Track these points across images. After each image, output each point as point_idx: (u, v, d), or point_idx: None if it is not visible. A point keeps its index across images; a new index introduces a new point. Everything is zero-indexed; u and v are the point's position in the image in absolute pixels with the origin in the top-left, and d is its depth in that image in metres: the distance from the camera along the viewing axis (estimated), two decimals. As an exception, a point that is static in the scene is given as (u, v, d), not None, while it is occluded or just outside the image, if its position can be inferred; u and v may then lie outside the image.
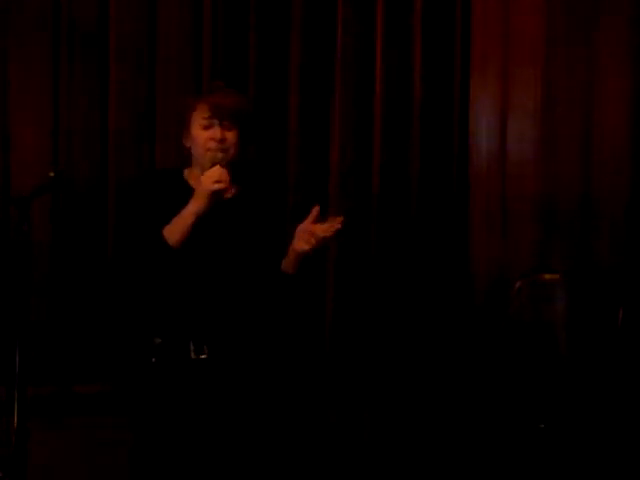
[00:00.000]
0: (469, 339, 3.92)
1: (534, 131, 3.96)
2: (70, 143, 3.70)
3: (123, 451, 3.19)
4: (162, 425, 3.07)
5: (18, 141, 3.66)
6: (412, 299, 3.95)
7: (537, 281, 3.83)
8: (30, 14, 3.65)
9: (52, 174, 2.84)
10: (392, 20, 3.92)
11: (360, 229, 3.92)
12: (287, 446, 3.78)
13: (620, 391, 3.64)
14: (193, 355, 3.06)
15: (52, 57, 3.67)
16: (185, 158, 3.17)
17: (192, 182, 3.10)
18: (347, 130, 3.91)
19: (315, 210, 3.02)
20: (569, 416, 3.65)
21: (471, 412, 3.87)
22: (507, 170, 3.98)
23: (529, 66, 3.95)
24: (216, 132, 3.06)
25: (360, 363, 3.93)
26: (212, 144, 3.06)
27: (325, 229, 3.00)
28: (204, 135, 3.07)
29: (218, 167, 2.99)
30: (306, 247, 2.99)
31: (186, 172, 3.16)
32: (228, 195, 3.11)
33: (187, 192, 3.03)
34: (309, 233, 3.00)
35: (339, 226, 2.99)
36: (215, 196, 2.97)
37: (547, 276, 3.84)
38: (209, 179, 2.97)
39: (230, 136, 3.07)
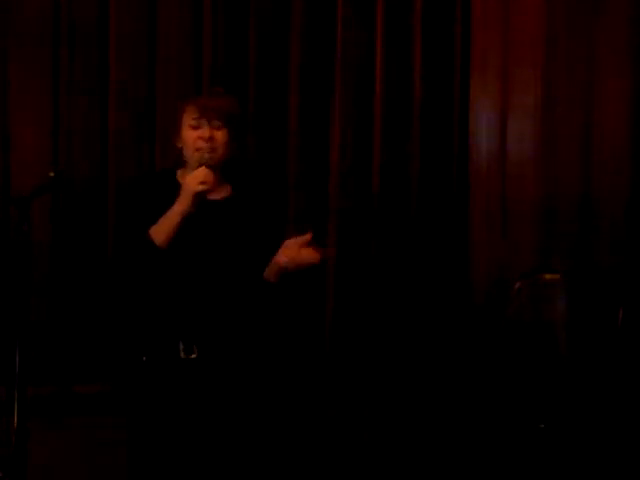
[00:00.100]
0: (469, 339, 3.92)
1: (534, 131, 3.96)
2: (70, 143, 3.70)
3: (123, 451, 3.19)
4: (153, 424, 3.09)
5: (18, 141, 3.66)
6: (412, 299, 3.95)
7: (537, 281, 3.83)
8: (30, 14, 3.65)
9: (52, 174, 2.84)
10: (392, 20, 3.92)
11: (360, 229, 3.92)
12: (285, 446, 3.78)
13: (620, 391, 3.64)
14: (183, 355, 3.08)
15: (52, 57, 3.67)
16: (177, 159, 3.20)
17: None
18: (347, 130, 3.91)
19: (308, 236, 3.04)
20: (569, 416, 3.65)
21: (471, 412, 3.87)
22: (507, 170, 3.98)
23: (529, 66, 3.95)
24: (205, 131, 3.11)
25: (360, 363, 3.93)
26: (201, 143, 3.10)
27: (306, 257, 3.03)
28: (193, 135, 3.12)
29: (203, 168, 3.04)
30: (281, 260, 3.05)
31: (179, 173, 3.19)
32: (218, 197, 3.15)
33: (179, 192, 3.07)
34: (292, 251, 3.04)
35: (316, 261, 3.03)
36: (199, 197, 3.02)
37: (547, 276, 3.84)
38: (194, 180, 3.02)
39: (219, 136, 3.12)
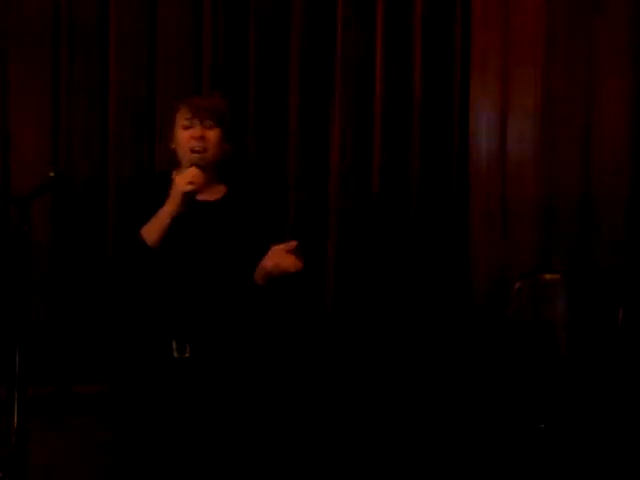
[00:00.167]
0: (469, 339, 3.92)
1: (534, 131, 3.96)
2: (70, 143, 3.70)
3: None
4: (146, 423, 3.12)
5: (18, 141, 3.66)
6: (412, 299, 3.95)
7: (537, 281, 3.83)
8: (30, 14, 3.64)
9: (52, 174, 2.85)
10: (392, 20, 3.92)
11: (360, 229, 3.92)
12: (282, 445, 3.78)
13: (620, 391, 3.64)
14: (176, 354, 3.10)
15: (52, 57, 3.67)
16: (171, 160, 3.23)
17: None
18: (347, 130, 3.91)
19: (293, 243, 3.05)
20: (569, 416, 3.65)
21: (471, 412, 3.87)
22: (507, 170, 3.98)
23: (529, 66, 3.95)
24: (196, 131, 3.15)
25: (360, 363, 3.93)
26: (193, 143, 3.14)
27: (289, 264, 3.04)
28: (186, 135, 3.16)
29: (193, 168, 3.07)
30: (267, 265, 3.07)
31: (174, 174, 3.21)
32: (211, 198, 3.18)
33: None
34: (278, 257, 3.06)
35: (298, 269, 3.05)
36: (188, 197, 3.04)
37: (547, 276, 3.84)
38: (182, 180, 3.05)
39: (210, 135, 3.16)
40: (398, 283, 3.94)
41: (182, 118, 3.17)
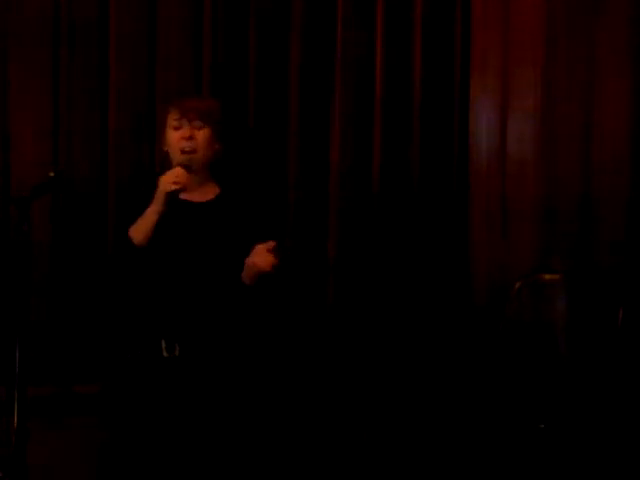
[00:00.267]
0: (469, 339, 3.92)
1: (534, 131, 3.96)
2: (70, 143, 3.70)
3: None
4: (135, 422, 3.15)
5: (18, 141, 3.66)
6: (412, 299, 3.95)
7: (537, 281, 3.83)
8: (30, 14, 3.65)
9: (52, 174, 2.85)
10: (392, 20, 3.92)
11: (360, 229, 3.92)
12: (276, 444, 3.79)
13: (620, 391, 3.64)
14: (165, 353, 3.12)
15: (52, 57, 3.67)
16: (165, 162, 3.26)
17: None
18: (347, 130, 3.91)
19: (272, 243, 3.10)
20: (569, 416, 3.65)
21: (471, 412, 3.87)
22: (507, 170, 3.98)
23: (529, 66, 3.95)
24: (185, 131, 3.18)
25: (360, 363, 3.93)
26: (183, 143, 3.18)
27: (263, 262, 3.10)
28: (176, 136, 3.20)
29: (178, 168, 3.11)
30: (249, 261, 3.11)
31: None
32: (202, 199, 3.21)
33: None
34: (258, 255, 3.11)
35: (268, 268, 3.10)
36: (170, 196, 3.07)
37: (547, 276, 3.84)
38: (167, 179, 3.07)
39: (199, 135, 3.19)
40: (398, 283, 3.94)
41: (172, 119, 3.21)
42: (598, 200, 3.92)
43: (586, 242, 3.92)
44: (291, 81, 3.87)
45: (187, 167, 3.11)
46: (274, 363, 3.76)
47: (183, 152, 3.16)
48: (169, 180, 3.06)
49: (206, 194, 3.24)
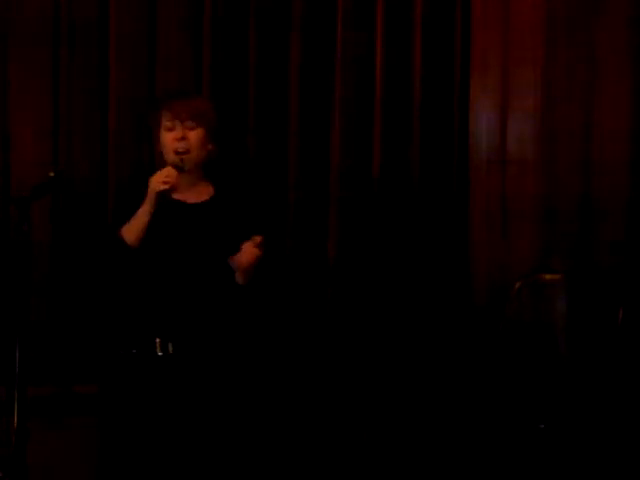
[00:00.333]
0: (469, 339, 3.92)
1: (534, 131, 3.96)
2: (70, 143, 3.70)
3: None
4: (129, 420, 3.16)
5: (18, 141, 3.66)
6: (412, 299, 3.95)
7: (537, 281, 3.83)
8: (30, 14, 3.65)
9: (52, 174, 2.85)
10: (392, 20, 3.92)
11: (360, 229, 3.92)
12: (281, 445, 3.79)
13: (620, 391, 3.64)
14: (159, 352, 3.14)
15: (52, 57, 3.67)
16: (160, 163, 3.26)
17: None
18: (347, 130, 3.91)
19: (258, 238, 3.15)
20: (569, 416, 3.65)
21: (471, 412, 3.87)
22: (507, 170, 3.98)
23: (529, 66, 3.95)
24: (178, 132, 3.20)
25: (360, 363, 3.92)
26: (176, 144, 3.19)
27: (247, 255, 3.16)
28: (169, 137, 3.21)
29: (168, 168, 3.13)
30: (235, 260, 3.16)
31: None
32: (197, 200, 3.23)
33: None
34: (245, 251, 3.15)
35: (252, 259, 3.16)
36: (160, 196, 3.09)
37: (547, 276, 3.84)
38: (157, 179, 3.10)
39: (192, 136, 3.20)
40: (398, 283, 3.94)
41: (164, 120, 3.22)
42: (598, 200, 3.91)
43: (586, 242, 3.92)
44: (291, 81, 3.87)
45: (178, 167, 3.13)
46: (272, 362, 3.76)
47: (176, 153, 3.17)
48: (159, 180, 3.09)
49: (200, 195, 3.25)
